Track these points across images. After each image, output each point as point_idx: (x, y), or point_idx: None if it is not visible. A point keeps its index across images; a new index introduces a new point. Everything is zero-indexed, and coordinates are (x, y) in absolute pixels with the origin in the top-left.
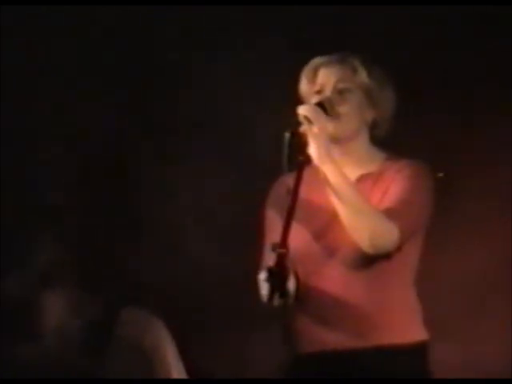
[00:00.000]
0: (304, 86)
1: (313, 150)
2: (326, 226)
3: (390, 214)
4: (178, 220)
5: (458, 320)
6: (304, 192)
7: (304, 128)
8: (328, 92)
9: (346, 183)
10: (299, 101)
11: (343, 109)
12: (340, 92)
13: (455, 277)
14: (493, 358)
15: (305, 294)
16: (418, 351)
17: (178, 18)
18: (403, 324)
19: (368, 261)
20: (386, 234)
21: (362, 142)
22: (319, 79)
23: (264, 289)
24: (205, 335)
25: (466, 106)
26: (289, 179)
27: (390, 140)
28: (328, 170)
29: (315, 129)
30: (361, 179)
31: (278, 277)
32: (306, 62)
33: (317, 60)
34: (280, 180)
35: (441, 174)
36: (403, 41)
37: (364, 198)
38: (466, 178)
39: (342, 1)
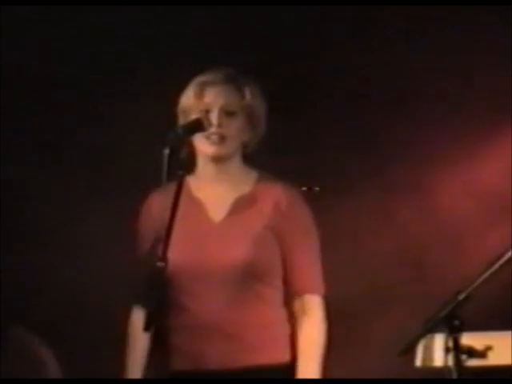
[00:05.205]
0: (189, 101)
1: None
2: (203, 242)
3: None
4: None
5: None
6: (181, 207)
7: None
8: (215, 112)
9: None
10: (176, 115)
11: (229, 131)
12: (227, 114)
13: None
14: None
15: (179, 311)
16: (283, 373)
17: None
18: (272, 346)
19: (242, 282)
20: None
21: (237, 161)
22: (206, 98)
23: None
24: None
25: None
26: (161, 194)
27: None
28: None
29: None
30: (238, 202)
31: (156, 291)
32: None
33: (203, 78)
34: (153, 196)
35: (317, 189)
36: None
37: None
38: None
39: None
